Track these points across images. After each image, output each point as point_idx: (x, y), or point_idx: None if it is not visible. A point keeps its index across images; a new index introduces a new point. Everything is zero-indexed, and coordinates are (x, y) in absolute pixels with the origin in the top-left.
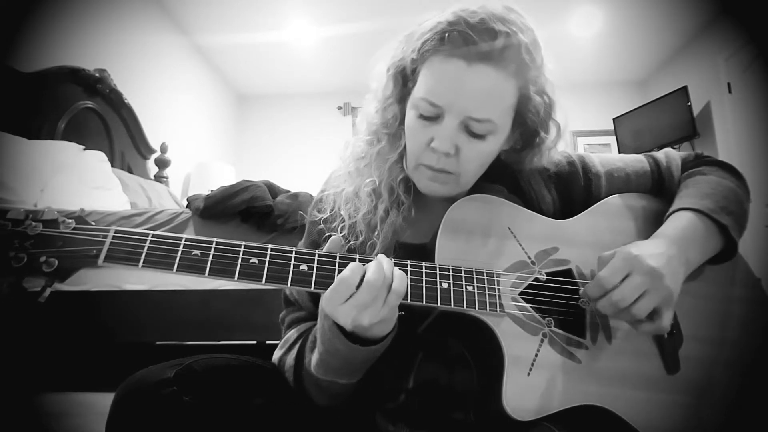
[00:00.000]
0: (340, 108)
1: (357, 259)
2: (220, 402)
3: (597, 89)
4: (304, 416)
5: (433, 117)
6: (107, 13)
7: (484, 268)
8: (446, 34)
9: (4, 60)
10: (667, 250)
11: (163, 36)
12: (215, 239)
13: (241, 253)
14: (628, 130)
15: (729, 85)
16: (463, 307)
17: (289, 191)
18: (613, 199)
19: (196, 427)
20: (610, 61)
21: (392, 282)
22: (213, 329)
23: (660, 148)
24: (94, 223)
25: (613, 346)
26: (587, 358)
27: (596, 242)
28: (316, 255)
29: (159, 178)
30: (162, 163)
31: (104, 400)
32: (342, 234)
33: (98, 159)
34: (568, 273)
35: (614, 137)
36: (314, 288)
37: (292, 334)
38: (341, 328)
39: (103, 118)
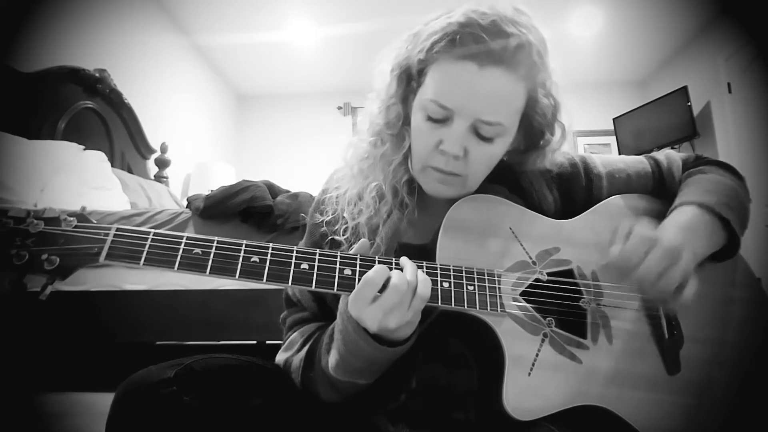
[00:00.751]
0: (340, 108)
1: (376, 261)
2: (220, 402)
3: (597, 89)
4: (304, 416)
5: (442, 119)
6: (107, 13)
7: (485, 268)
8: (457, 36)
9: (4, 60)
10: (678, 236)
11: (163, 36)
12: (216, 238)
13: (242, 251)
14: (628, 130)
15: (729, 85)
16: (463, 306)
17: (289, 191)
18: (615, 200)
19: (196, 427)
20: (610, 61)
21: (417, 286)
22: (213, 329)
23: (660, 148)
24: (95, 222)
25: (613, 347)
26: (588, 358)
27: (597, 243)
28: (317, 254)
29: (159, 178)
30: (162, 163)
31: (104, 400)
32: (345, 237)
33: (98, 159)
34: (569, 273)
35: (614, 137)
36: (315, 287)
37: (296, 336)
38: (367, 330)
39: (103, 118)
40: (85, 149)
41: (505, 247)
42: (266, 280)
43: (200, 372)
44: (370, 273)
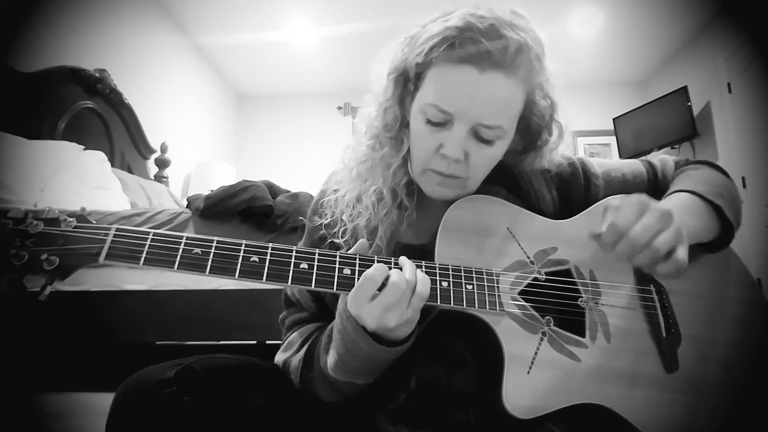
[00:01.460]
0: (340, 108)
1: (375, 261)
2: (219, 402)
3: (597, 89)
4: (303, 416)
5: (442, 123)
6: (107, 13)
7: (484, 267)
8: (456, 40)
9: (4, 60)
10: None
11: (163, 36)
12: (216, 238)
13: (242, 251)
14: (628, 130)
15: (729, 85)
16: (462, 306)
17: (289, 191)
18: (612, 200)
19: (196, 427)
20: (610, 61)
21: (416, 285)
22: (213, 329)
23: (660, 148)
24: (95, 222)
25: (612, 345)
26: (587, 356)
27: (595, 243)
28: (317, 254)
29: (159, 178)
30: (162, 163)
31: (104, 400)
32: (344, 239)
33: (98, 159)
34: (567, 273)
35: (614, 137)
36: (315, 286)
37: (295, 336)
38: (366, 329)
39: (103, 118)
40: (85, 149)
41: (503, 246)
42: (266, 280)
43: (200, 372)
44: (370, 270)
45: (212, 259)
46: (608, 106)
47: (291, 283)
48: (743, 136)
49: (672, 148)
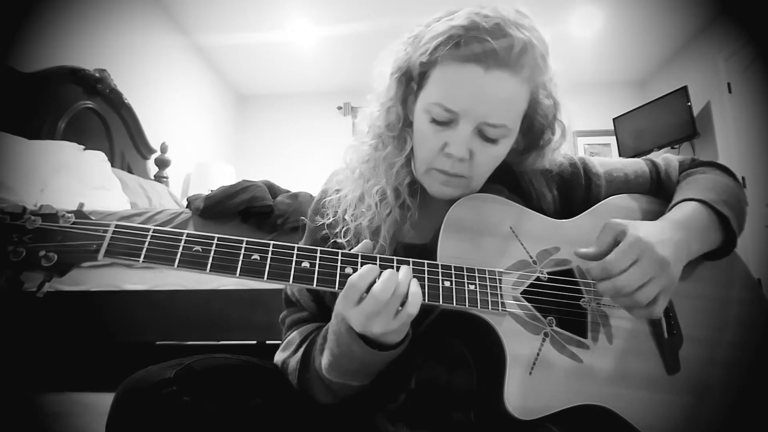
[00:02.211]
0: (340, 108)
1: (377, 261)
2: (219, 402)
3: (597, 89)
4: (303, 416)
5: (446, 122)
6: (107, 13)
7: (486, 267)
8: (461, 39)
9: (4, 60)
10: (672, 236)
11: (163, 36)
12: (217, 235)
13: (243, 249)
14: (628, 130)
15: (729, 85)
16: (465, 305)
17: (289, 191)
18: (614, 200)
19: (195, 427)
20: (610, 61)
21: (407, 298)
22: (213, 329)
23: (660, 148)
24: (94, 218)
25: (614, 346)
26: (588, 357)
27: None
28: (318, 252)
29: (159, 178)
30: (162, 163)
31: (104, 400)
32: (346, 239)
33: (98, 159)
34: (569, 273)
35: (614, 137)
36: (316, 285)
37: (294, 336)
38: (359, 334)
39: (103, 118)
40: (85, 149)
41: (505, 246)
42: (267, 278)
43: (200, 372)
44: (354, 276)
45: (213, 257)
46: (608, 106)
47: (292, 282)
48: (743, 136)
49: (672, 148)
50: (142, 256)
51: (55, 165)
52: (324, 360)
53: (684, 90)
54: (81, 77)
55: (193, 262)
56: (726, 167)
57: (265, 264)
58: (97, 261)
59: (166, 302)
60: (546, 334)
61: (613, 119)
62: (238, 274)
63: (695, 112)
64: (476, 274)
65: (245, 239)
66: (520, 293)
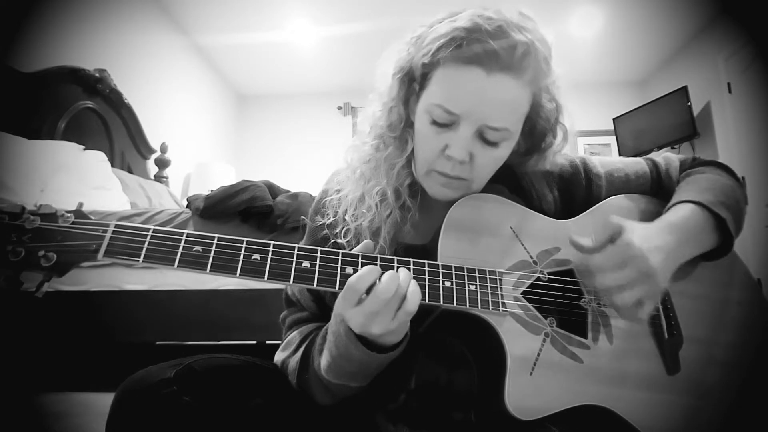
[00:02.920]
0: (340, 108)
1: (378, 261)
2: (219, 402)
3: (597, 89)
4: (304, 416)
5: (447, 124)
6: (107, 13)
7: (486, 267)
8: (464, 41)
9: (4, 60)
10: (665, 241)
11: (163, 36)
12: (217, 235)
13: (243, 249)
14: (628, 130)
15: (729, 85)
16: (465, 306)
17: (289, 191)
18: (615, 200)
19: (195, 427)
20: (610, 61)
21: (405, 298)
22: (213, 329)
23: (660, 148)
24: (93, 218)
25: (614, 347)
26: (589, 358)
27: (598, 243)
28: (319, 252)
29: (159, 178)
30: (162, 163)
31: (104, 400)
32: (346, 240)
33: (98, 159)
34: (569, 273)
35: (614, 137)
36: (316, 285)
37: (294, 336)
38: (358, 335)
39: (103, 118)
40: (85, 149)
41: (506, 246)
42: (267, 278)
43: (200, 372)
44: (353, 277)
45: (213, 257)
46: (608, 106)
47: (293, 282)
48: (743, 136)
49: (672, 148)
50: (142, 256)
51: (55, 165)
52: (323, 361)
53: (684, 90)
54: (81, 77)
55: (193, 262)
56: (726, 166)
57: (266, 264)
58: (97, 261)
59: (166, 302)
60: (546, 335)
61: (613, 119)
62: (238, 274)
63: (695, 112)
64: (477, 275)
65: (245, 239)
66: (521, 293)
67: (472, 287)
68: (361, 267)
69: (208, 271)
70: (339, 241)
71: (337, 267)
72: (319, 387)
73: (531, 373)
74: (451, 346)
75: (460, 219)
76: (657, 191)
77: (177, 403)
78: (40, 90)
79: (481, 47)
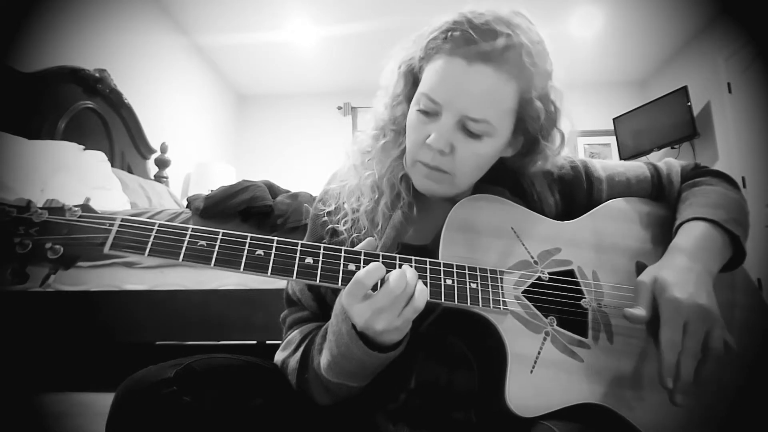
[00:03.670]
0: (340, 108)
1: (380, 258)
2: (220, 402)
3: (597, 89)
4: (304, 416)
5: (432, 113)
6: (107, 13)
7: (488, 266)
8: (450, 33)
9: (4, 60)
10: (697, 275)
11: (163, 36)
12: (221, 230)
13: (247, 244)
14: (628, 130)
15: (729, 85)
16: (466, 303)
17: (289, 191)
18: (615, 203)
19: (195, 427)
20: (610, 61)
21: (413, 295)
22: (213, 329)
23: (660, 148)
24: (99, 212)
25: (614, 346)
26: (589, 357)
27: (598, 244)
28: (322, 248)
29: (159, 178)
30: (162, 163)
31: (104, 400)
32: (345, 228)
33: (98, 159)
34: (570, 273)
35: (614, 137)
36: (319, 281)
37: (295, 335)
38: (360, 334)
39: (103, 118)
40: (85, 149)
41: (507, 246)
42: (271, 273)
43: (200, 372)
44: (361, 272)
45: (217, 252)
46: (608, 106)
47: (296, 277)
48: (743, 136)
49: (672, 148)
50: (148, 249)
51: (55, 165)
52: (323, 360)
53: (684, 90)
54: (81, 77)
55: (198, 256)
56: (728, 176)
57: (269, 259)
58: (103, 254)
59: (166, 302)
60: (547, 333)
61: (613, 119)
62: (242, 269)
63: (695, 112)
64: (478, 273)
65: (250, 235)
66: (522, 293)
67: (473, 285)
68: (364, 264)
69: (212, 265)
70: (338, 228)
71: (339, 263)
72: (318, 386)
73: (531, 371)
74: (452, 346)
75: (461, 219)
76: (657, 196)
77: (177, 403)
78: (40, 90)
79: (464, 39)
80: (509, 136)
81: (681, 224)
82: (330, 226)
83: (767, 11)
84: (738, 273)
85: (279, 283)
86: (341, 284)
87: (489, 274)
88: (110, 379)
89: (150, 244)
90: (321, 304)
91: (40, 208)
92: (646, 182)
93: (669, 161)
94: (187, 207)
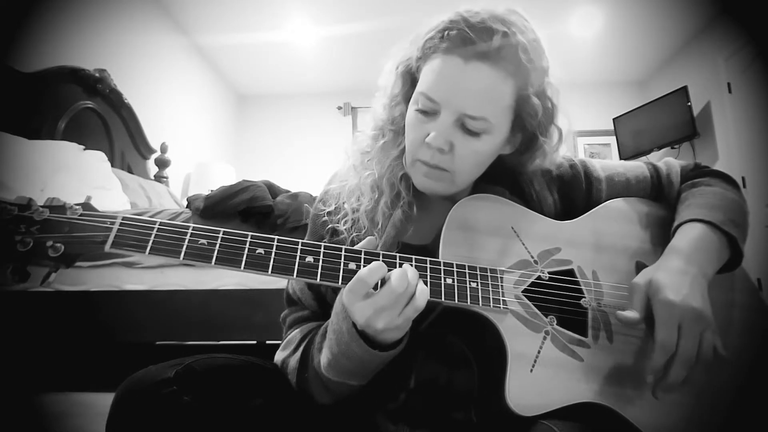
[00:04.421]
0: (340, 108)
1: (381, 256)
2: (220, 402)
3: (597, 89)
4: (304, 416)
5: (430, 112)
6: (107, 13)
7: (488, 265)
8: (446, 32)
9: (4, 60)
10: (693, 278)
11: (163, 36)
12: (222, 229)
13: (248, 243)
14: (628, 130)
15: (729, 85)
16: (466, 302)
17: (289, 191)
18: (615, 203)
19: (196, 427)
20: (610, 61)
21: (415, 294)
22: (213, 329)
23: (660, 148)
24: (100, 210)
25: (614, 346)
26: (589, 356)
27: (598, 244)
28: (322, 247)
29: (159, 178)
30: (162, 163)
31: (104, 400)
32: (345, 227)
33: (98, 159)
34: (570, 273)
35: (614, 137)
36: (320, 280)
37: (295, 334)
38: (360, 332)
39: (103, 118)
40: (85, 149)
41: (507, 245)
42: (271, 272)
43: (200, 372)
44: (364, 270)
45: (218, 250)
46: (608, 106)
47: (296, 276)
48: (743, 136)
49: (672, 148)
50: (149, 248)
51: (55, 165)
52: (323, 359)
53: (684, 90)
54: (81, 77)
55: (199, 255)
56: (728, 176)
57: (270, 258)
58: (104, 252)
59: (166, 302)
60: (547, 332)
61: (613, 119)
62: (242, 268)
63: (695, 112)
64: (478, 272)
65: (250, 233)
66: (522, 292)
67: (473, 284)
68: (365, 263)
69: (213, 263)
70: (338, 227)
71: (340, 262)
72: (318, 385)
73: (531, 370)
74: (451, 345)
75: (461, 218)
76: (657, 196)
77: (177, 403)
78: (40, 90)
79: (460, 37)
80: (507, 134)
81: (678, 226)
82: (330, 226)
83: (767, 11)
84: (737, 274)
85: (279, 283)
86: (342, 283)
87: (489, 274)
88: (110, 379)
89: (151, 242)
90: (321, 304)
91: (41, 207)
92: (646, 182)
93: (669, 161)
94: (187, 207)
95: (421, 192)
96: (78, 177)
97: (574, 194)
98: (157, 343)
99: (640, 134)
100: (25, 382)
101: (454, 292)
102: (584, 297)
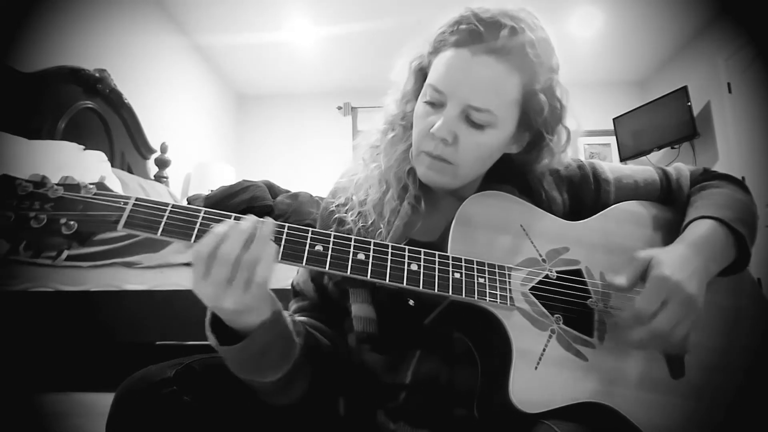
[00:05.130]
0: (340, 108)
1: (390, 248)
2: (219, 402)
3: (597, 89)
4: (304, 416)
5: (437, 104)
6: (107, 13)
7: (496, 262)
8: (456, 26)
9: (4, 60)
10: (696, 267)
11: (163, 36)
12: (234, 214)
13: None
14: (628, 130)
15: (729, 85)
16: (474, 297)
17: (289, 191)
18: (624, 205)
19: (196, 427)
20: (610, 61)
21: (257, 263)
22: None
23: (660, 148)
24: (114, 191)
25: (619, 347)
26: (594, 356)
27: (606, 245)
28: (332, 236)
29: (159, 178)
30: (162, 163)
31: (104, 400)
32: (352, 218)
33: (98, 159)
34: (577, 273)
35: (614, 137)
36: (328, 269)
37: None
38: (214, 323)
39: (103, 118)
40: (85, 149)
41: (515, 243)
42: (281, 259)
43: (200, 372)
44: (197, 245)
45: None
46: (608, 106)
47: (305, 264)
48: (743, 136)
49: (672, 148)
50: (161, 229)
51: (55, 165)
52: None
53: (684, 90)
54: (81, 77)
55: None
56: (738, 180)
57: (279, 245)
58: (116, 232)
59: (166, 302)
60: (553, 331)
61: (613, 119)
62: None
63: (695, 112)
64: (486, 268)
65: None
66: (529, 290)
67: (481, 280)
68: (373, 253)
69: None
70: (345, 217)
71: (349, 252)
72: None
73: (536, 368)
74: (454, 342)
75: (470, 215)
76: (665, 200)
77: (177, 403)
78: (40, 90)
79: (468, 31)
80: (513, 130)
81: (689, 223)
82: (336, 215)
83: (767, 11)
84: (744, 279)
85: (278, 282)
86: (350, 272)
87: (497, 270)
88: (110, 379)
89: (163, 224)
90: (322, 295)
91: (56, 185)
92: (654, 186)
93: (678, 166)
94: None
95: (429, 189)
96: (78, 177)
97: (583, 195)
98: (157, 343)
99: (640, 134)
100: (25, 382)
101: (462, 287)
102: (591, 297)
